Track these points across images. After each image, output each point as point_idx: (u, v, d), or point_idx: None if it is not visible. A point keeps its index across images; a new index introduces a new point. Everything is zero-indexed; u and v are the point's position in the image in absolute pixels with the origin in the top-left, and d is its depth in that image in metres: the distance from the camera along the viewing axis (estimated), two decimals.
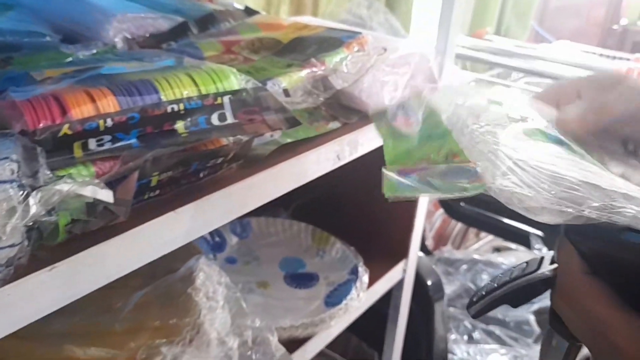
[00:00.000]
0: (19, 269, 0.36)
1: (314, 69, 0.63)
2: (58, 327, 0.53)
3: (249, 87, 0.50)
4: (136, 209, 0.45)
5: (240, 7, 0.80)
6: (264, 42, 0.69)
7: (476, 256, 1.76)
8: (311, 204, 1.01)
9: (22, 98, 0.40)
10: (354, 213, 0.99)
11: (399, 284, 0.98)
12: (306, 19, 0.93)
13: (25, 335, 0.41)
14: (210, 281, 0.57)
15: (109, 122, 0.42)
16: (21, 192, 0.34)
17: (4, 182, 0.34)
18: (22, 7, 0.68)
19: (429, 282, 1.13)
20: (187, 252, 0.59)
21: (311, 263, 0.94)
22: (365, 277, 0.85)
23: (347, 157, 0.66)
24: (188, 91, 0.47)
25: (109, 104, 0.42)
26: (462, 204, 1.75)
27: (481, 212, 1.73)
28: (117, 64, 0.50)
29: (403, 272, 0.96)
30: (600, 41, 3.62)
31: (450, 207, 1.82)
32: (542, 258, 0.38)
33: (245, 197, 0.54)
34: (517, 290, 0.39)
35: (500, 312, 1.54)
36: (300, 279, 0.90)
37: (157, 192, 0.46)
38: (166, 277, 0.59)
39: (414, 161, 0.39)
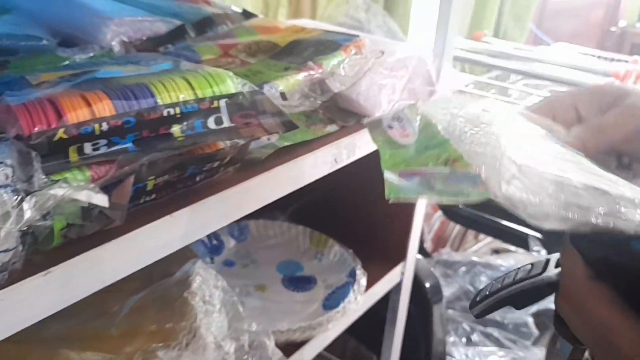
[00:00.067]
0: (14, 274, 0.36)
1: (311, 72, 0.63)
2: (54, 331, 0.53)
3: (246, 90, 0.50)
4: (132, 213, 0.44)
5: (238, 10, 0.80)
6: (261, 45, 0.69)
7: (475, 258, 1.75)
8: (309, 207, 1.01)
9: (17, 102, 0.40)
10: (352, 216, 0.99)
11: (397, 287, 0.98)
12: (304, 22, 0.93)
13: (20, 339, 0.41)
14: (206, 285, 0.57)
15: (105, 126, 0.42)
16: (15, 197, 0.34)
17: None
18: (19, 10, 0.68)
19: (427, 285, 1.13)
20: (183, 255, 0.59)
21: (309, 266, 0.93)
22: (363, 280, 0.85)
23: (345, 160, 0.65)
24: (184, 95, 0.47)
25: (105, 107, 0.42)
26: (460, 205, 1.75)
27: (480, 214, 1.73)
28: (113, 67, 0.50)
29: (401, 275, 0.96)
30: (598, 43, 3.63)
31: (449, 209, 1.82)
32: (547, 260, 0.38)
33: (242, 201, 0.53)
34: (522, 292, 0.38)
35: (498, 314, 1.54)
36: (298, 282, 0.90)
37: (153, 196, 0.46)
38: (162, 281, 0.59)
39: (413, 168, 0.38)
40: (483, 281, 1.63)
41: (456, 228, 2.11)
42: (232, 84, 0.50)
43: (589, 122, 0.39)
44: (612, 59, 1.98)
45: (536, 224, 0.31)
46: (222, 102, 0.48)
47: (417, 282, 1.06)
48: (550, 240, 1.60)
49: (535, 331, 1.51)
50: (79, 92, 0.42)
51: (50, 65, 0.54)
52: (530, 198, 0.31)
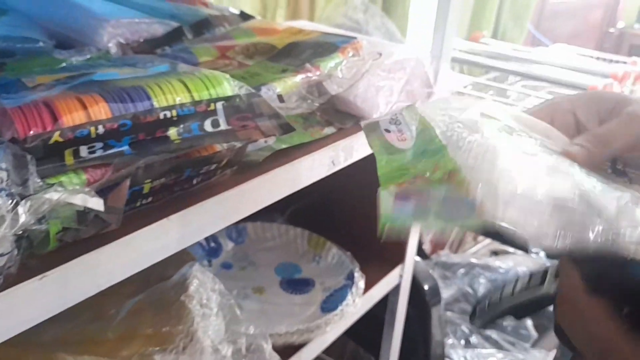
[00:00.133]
0: (9, 278, 0.36)
1: (309, 74, 0.63)
2: (50, 335, 0.53)
3: (243, 93, 0.50)
4: (128, 216, 0.44)
5: (236, 11, 0.80)
6: (259, 47, 0.69)
7: (474, 260, 1.75)
8: (307, 209, 1.01)
9: (12, 105, 0.40)
10: (350, 218, 0.99)
11: (396, 289, 0.98)
12: (302, 24, 0.93)
13: (16, 343, 0.40)
14: (203, 288, 0.57)
15: (101, 129, 0.42)
16: (10, 201, 0.34)
17: None
18: (16, 12, 0.68)
19: (426, 287, 1.12)
20: (180, 258, 0.59)
21: (307, 268, 0.93)
22: (361, 283, 0.85)
23: (342, 163, 0.65)
24: (181, 97, 0.46)
25: (101, 110, 0.42)
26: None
27: None
28: (110, 69, 0.50)
29: (399, 277, 0.96)
30: (597, 44, 3.64)
31: None
32: (546, 271, 0.38)
33: (239, 204, 0.53)
34: (522, 304, 0.39)
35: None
36: (296, 285, 0.89)
37: (150, 199, 0.46)
38: (159, 285, 0.58)
39: (409, 178, 0.38)
40: (482, 283, 1.63)
41: (455, 229, 2.11)
42: (229, 87, 0.50)
43: (594, 131, 0.38)
44: (611, 60, 1.99)
45: (536, 245, 0.31)
46: (219, 105, 0.48)
47: (415, 284, 1.06)
48: None
49: (534, 333, 1.51)
50: (75, 94, 0.42)
51: (46, 68, 0.53)
52: (528, 221, 0.30)
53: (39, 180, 0.37)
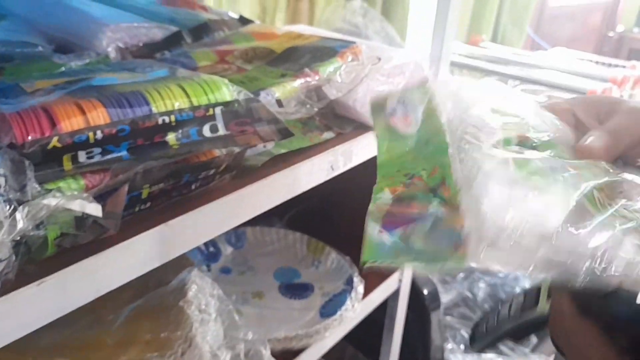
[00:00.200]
0: (7, 284, 0.36)
1: (308, 79, 0.63)
2: (49, 340, 0.53)
3: (241, 98, 0.50)
4: (127, 222, 0.44)
5: (235, 16, 0.80)
6: (258, 51, 0.69)
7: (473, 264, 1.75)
8: (306, 214, 1.01)
9: (11, 110, 0.40)
10: (349, 223, 0.98)
11: (395, 294, 0.97)
12: (301, 28, 0.93)
13: (14, 349, 0.40)
14: (202, 293, 0.57)
15: (99, 135, 0.42)
16: (8, 207, 0.34)
17: None
18: (15, 16, 0.68)
19: (425, 291, 1.12)
20: (179, 263, 0.59)
21: (306, 273, 0.93)
22: (360, 288, 0.85)
23: (341, 168, 0.65)
24: (179, 102, 0.46)
25: (99, 116, 0.42)
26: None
27: None
28: (108, 74, 0.50)
29: (399, 282, 0.96)
30: (596, 48, 3.64)
31: None
32: (539, 289, 0.38)
33: (238, 209, 0.53)
34: (518, 327, 0.39)
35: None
36: (295, 289, 0.89)
37: (148, 204, 0.46)
38: (158, 290, 0.58)
39: (405, 180, 0.37)
40: (481, 287, 1.63)
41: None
42: (227, 92, 0.50)
43: (606, 125, 0.38)
44: (610, 64, 1.99)
45: (522, 273, 0.30)
46: (218, 110, 0.48)
47: (414, 289, 1.06)
48: None
49: (534, 338, 1.50)
50: (74, 100, 0.42)
51: (45, 72, 0.53)
52: (510, 260, 0.29)
53: (37, 185, 0.37)
